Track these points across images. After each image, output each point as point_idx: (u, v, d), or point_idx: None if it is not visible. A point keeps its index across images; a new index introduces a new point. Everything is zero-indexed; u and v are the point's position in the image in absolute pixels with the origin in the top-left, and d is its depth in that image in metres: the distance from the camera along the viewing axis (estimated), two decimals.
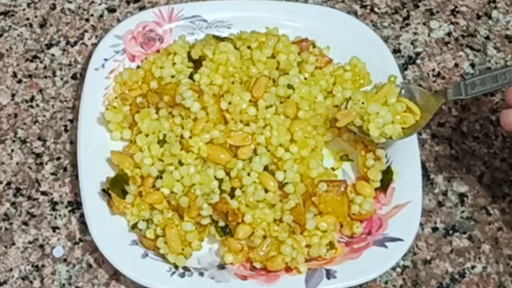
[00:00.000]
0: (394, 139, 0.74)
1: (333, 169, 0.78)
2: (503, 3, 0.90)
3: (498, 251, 0.76)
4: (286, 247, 0.71)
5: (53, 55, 0.85)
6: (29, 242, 0.75)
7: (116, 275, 0.74)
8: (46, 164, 0.79)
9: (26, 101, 0.82)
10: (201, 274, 0.72)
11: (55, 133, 0.81)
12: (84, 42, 0.86)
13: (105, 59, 0.81)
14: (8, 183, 0.78)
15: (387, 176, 0.76)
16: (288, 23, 0.84)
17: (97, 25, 0.87)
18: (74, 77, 0.84)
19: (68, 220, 0.76)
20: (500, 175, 0.80)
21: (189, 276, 0.72)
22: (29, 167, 0.79)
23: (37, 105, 0.82)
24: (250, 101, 0.77)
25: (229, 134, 0.75)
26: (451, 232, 0.77)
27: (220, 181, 0.74)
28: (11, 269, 0.74)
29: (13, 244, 0.75)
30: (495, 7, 0.89)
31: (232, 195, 0.73)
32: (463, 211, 0.78)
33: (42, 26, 0.87)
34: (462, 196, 0.79)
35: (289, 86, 0.78)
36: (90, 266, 0.74)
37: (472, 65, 0.85)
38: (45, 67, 0.84)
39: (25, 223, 0.76)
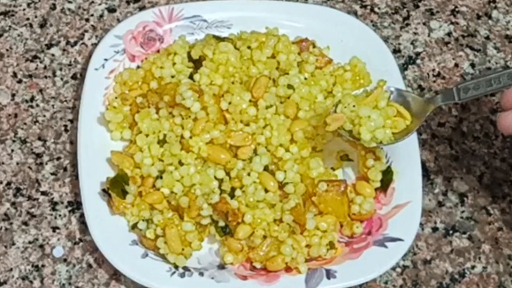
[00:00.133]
0: (385, 144, 0.73)
1: (333, 169, 0.78)
2: (503, 3, 0.90)
3: (498, 251, 0.76)
4: (286, 247, 0.71)
5: (53, 55, 0.85)
6: (29, 242, 0.75)
7: (116, 275, 0.74)
8: (46, 164, 0.79)
9: (26, 101, 0.82)
10: (201, 274, 0.72)
11: (55, 133, 0.81)
12: (84, 42, 0.86)
13: (105, 59, 0.81)
14: (8, 183, 0.78)
15: (387, 176, 0.76)
16: (288, 23, 0.84)
17: (97, 25, 0.87)
18: (74, 77, 0.84)
19: (68, 220, 0.76)
20: (500, 175, 0.80)
21: (189, 276, 0.72)
22: (29, 167, 0.79)
23: (37, 105, 0.82)
24: (250, 101, 0.77)
25: (229, 134, 0.75)
26: (451, 232, 0.77)
27: (220, 181, 0.74)
28: (11, 269, 0.74)
29: (13, 244, 0.75)
30: (495, 7, 0.89)
31: (232, 195, 0.73)
32: (463, 211, 0.78)
33: (42, 26, 0.87)
34: (462, 196, 0.79)
35: (289, 86, 0.78)
36: (90, 266, 0.74)
37: (472, 65, 0.86)
38: (45, 67, 0.84)
39: (25, 223, 0.76)
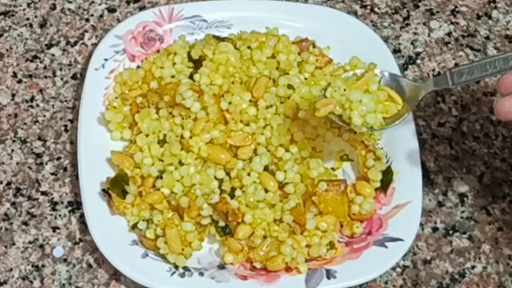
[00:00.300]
0: (375, 129, 0.71)
1: (333, 169, 0.78)
2: (503, 3, 0.90)
3: (498, 251, 0.76)
4: (286, 247, 0.71)
5: (53, 55, 0.85)
6: (29, 242, 0.75)
7: (116, 275, 0.74)
8: (46, 164, 0.79)
9: (26, 101, 0.82)
10: (201, 274, 0.72)
11: (55, 133, 0.81)
12: (84, 42, 0.86)
13: (105, 59, 0.81)
14: (8, 183, 0.78)
15: (387, 176, 0.76)
16: (288, 23, 0.84)
17: (97, 25, 0.87)
18: (74, 77, 0.84)
19: (68, 220, 0.76)
20: (500, 175, 0.80)
21: (189, 276, 0.72)
22: (29, 167, 0.79)
23: (37, 105, 0.82)
24: (250, 101, 0.77)
25: (229, 134, 0.75)
26: (451, 232, 0.77)
27: (220, 181, 0.74)
28: (11, 269, 0.74)
29: (13, 244, 0.75)
30: (495, 7, 0.89)
31: (232, 195, 0.73)
32: (463, 211, 0.78)
33: (42, 26, 0.87)
34: (462, 196, 0.79)
35: (289, 86, 0.78)
36: (90, 266, 0.74)
37: None
38: (45, 67, 0.84)
39: (25, 223, 0.76)
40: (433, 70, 0.85)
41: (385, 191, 0.76)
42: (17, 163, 0.79)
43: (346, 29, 0.84)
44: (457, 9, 0.89)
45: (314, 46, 0.82)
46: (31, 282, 0.74)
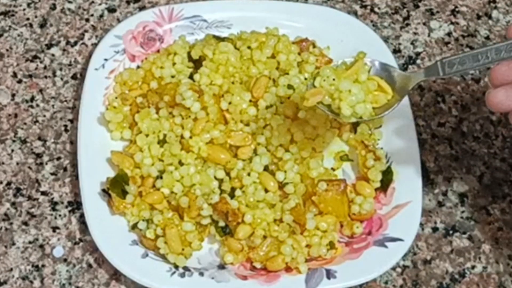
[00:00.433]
0: (365, 119, 0.69)
1: (333, 169, 0.78)
2: (503, 3, 0.90)
3: (498, 251, 0.76)
4: (286, 247, 0.71)
5: (53, 55, 0.85)
6: (29, 242, 0.75)
7: (116, 275, 0.74)
8: (46, 164, 0.79)
9: (26, 101, 0.82)
10: (201, 274, 0.72)
11: (55, 133, 0.81)
12: (84, 42, 0.86)
13: (105, 59, 0.81)
14: (8, 183, 0.78)
15: (387, 176, 0.76)
16: (288, 23, 0.84)
17: (97, 25, 0.87)
18: (74, 77, 0.84)
19: (68, 220, 0.76)
20: (500, 175, 0.80)
21: (189, 276, 0.72)
22: (29, 167, 0.79)
23: (37, 105, 0.82)
24: (250, 101, 0.77)
25: (229, 134, 0.75)
26: (451, 232, 0.77)
27: (220, 181, 0.74)
28: (11, 269, 0.74)
29: (13, 244, 0.75)
30: (495, 7, 0.89)
31: (232, 195, 0.73)
32: (463, 211, 0.78)
33: (42, 26, 0.87)
34: (462, 196, 0.79)
35: (289, 86, 0.78)
36: (90, 266, 0.74)
37: None
38: (45, 67, 0.84)
39: (25, 223, 0.76)
40: None
41: (385, 191, 0.76)
42: (17, 163, 0.79)
43: (346, 29, 0.83)
44: (457, 9, 0.89)
45: (314, 46, 0.82)
46: (31, 282, 0.74)
